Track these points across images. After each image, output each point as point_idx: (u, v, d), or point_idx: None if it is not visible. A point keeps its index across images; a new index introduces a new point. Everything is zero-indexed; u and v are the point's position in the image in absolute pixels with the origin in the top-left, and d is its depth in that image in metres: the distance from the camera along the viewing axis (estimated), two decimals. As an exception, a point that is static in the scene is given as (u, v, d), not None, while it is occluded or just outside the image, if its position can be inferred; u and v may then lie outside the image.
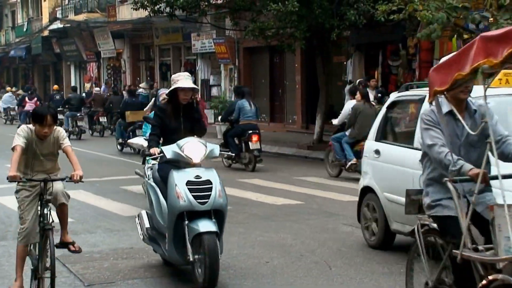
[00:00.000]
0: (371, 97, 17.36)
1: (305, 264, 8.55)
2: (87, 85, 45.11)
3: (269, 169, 18.13)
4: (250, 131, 17.68)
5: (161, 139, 8.35)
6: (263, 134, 19.28)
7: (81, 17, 41.87)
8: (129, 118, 22.63)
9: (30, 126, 7.29)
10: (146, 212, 8.57)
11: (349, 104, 16.37)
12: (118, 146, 23.47)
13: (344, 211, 11.95)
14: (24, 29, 52.43)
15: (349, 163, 15.53)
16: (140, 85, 34.91)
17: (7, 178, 7.01)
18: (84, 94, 43.18)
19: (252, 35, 21.57)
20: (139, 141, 14.00)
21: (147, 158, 9.48)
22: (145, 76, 40.10)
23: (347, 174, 15.98)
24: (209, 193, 7.52)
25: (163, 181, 7.92)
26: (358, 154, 14.43)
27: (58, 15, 45.94)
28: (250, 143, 17.59)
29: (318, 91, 22.93)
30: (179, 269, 8.35)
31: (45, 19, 48.47)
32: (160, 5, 22.50)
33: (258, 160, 17.63)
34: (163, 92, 15.96)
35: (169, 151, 7.84)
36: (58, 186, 7.31)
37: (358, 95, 16.11)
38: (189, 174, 7.66)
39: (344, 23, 20.10)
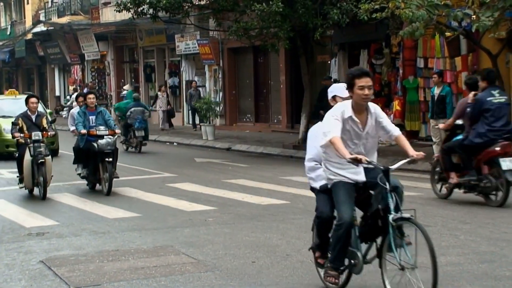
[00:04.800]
0: None
1: (291, 264, 8.56)
2: (71, 88, 44.97)
3: (254, 169, 18.16)
4: None
5: None
6: (248, 135, 19.40)
7: (64, 20, 41.70)
8: None
9: None
10: None
11: None
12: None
13: (329, 210, 11.96)
14: (8, 33, 52.16)
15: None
16: (124, 87, 34.83)
17: None
18: (68, 97, 43.14)
19: (236, 35, 21.54)
20: None
21: None
22: (130, 78, 40.05)
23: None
24: None
25: None
26: None
27: (41, 18, 45.79)
28: None
29: (303, 91, 22.93)
30: (166, 270, 8.34)
31: (28, 22, 48.27)
32: (143, 7, 22.40)
33: None
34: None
35: None
36: None
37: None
38: None
39: (328, 22, 20.12)
